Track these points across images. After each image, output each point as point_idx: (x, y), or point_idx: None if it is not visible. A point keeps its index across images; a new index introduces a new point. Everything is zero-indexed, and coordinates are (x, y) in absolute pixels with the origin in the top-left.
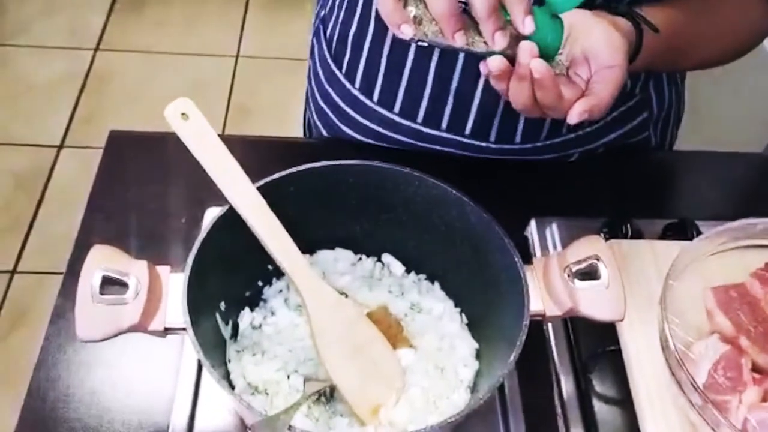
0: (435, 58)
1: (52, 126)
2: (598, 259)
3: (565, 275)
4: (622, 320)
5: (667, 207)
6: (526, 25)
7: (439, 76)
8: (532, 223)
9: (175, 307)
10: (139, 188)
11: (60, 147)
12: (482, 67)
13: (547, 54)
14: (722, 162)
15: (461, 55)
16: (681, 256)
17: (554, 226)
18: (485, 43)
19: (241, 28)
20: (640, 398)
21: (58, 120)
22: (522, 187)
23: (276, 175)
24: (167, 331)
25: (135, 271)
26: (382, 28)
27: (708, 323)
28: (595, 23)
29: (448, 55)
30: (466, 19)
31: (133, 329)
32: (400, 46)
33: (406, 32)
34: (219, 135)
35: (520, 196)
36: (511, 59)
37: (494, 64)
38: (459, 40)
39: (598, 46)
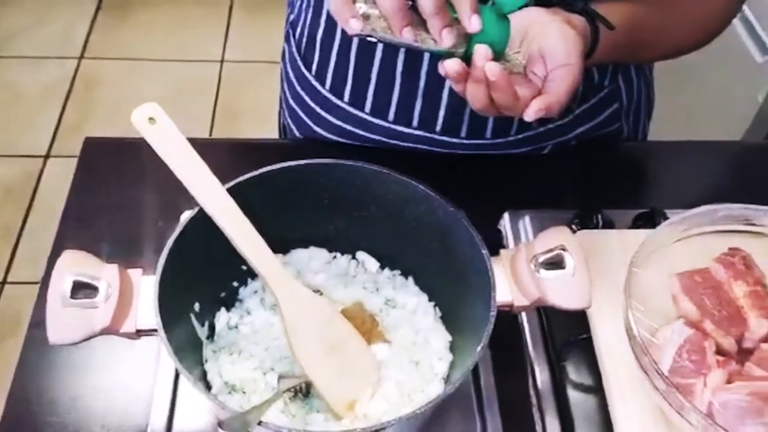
0: (401, 56)
1: (38, 135)
2: (564, 249)
3: (532, 266)
4: (588, 308)
5: (641, 197)
6: (473, 23)
7: (406, 74)
8: (506, 217)
9: (146, 310)
10: (115, 194)
11: (47, 156)
12: (440, 69)
13: (494, 53)
14: (698, 151)
15: (427, 54)
16: (645, 244)
17: (527, 219)
18: (434, 40)
19: (226, 32)
20: (610, 385)
21: (44, 129)
22: (495, 181)
23: (246, 176)
24: (139, 333)
25: (105, 274)
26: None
27: (674, 309)
28: (550, 21)
29: (414, 53)
30: (415, 15)
31: (105, 332)
32: (367, 45)
33: (354, 27)
34: (205, 139)
35: (494, 190)
36: (466, 58)
37: (450, 66)
38: (407, 36)
39: (553, 44)
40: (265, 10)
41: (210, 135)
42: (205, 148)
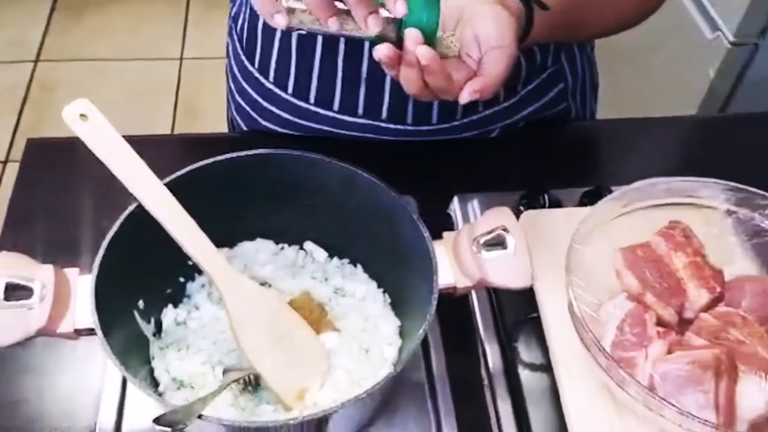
0: (342, 46)
1: None
2: (505, 230)
3: (474, 247)
4: (528, 287)
5: (591, 176)
6: (398, 7)
7: (348, 63)
8: (455, 200)
9: (85, 309)
10: (56, 194)
11: (5, 161)
12: (374, 54)
13: (426, 36)
14: (647, 128)
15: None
16: (585, 220)
17: (475, 202)
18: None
19: (184, 30)
20: (557, 363)
21: (2, 135)
22: (445, 166)
23: (185, 170)
24: (78, 333)
25: (40, 275)
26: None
27: (619, 284)
28: (483, 3)
29: (354, 41)
30: (341, 4)
31: (42, 333)
32: (308, 36)
33: (280, 23)
34: (147, 136)
35: (443, 176)
36: (399, 43)
37: (381, 52)
38: (333, 26)
39: (486, 26)
40: (222, 6)
41: (171, 133)
42: (153, 144)
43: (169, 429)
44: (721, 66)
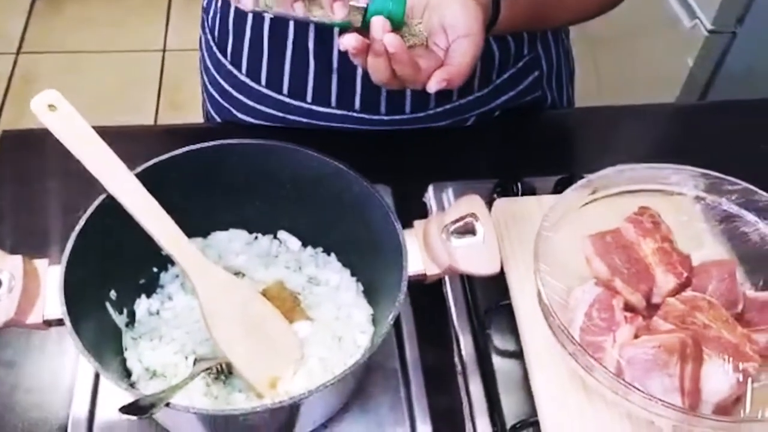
0: (312, 35)
1: None
2: (474, 217)
3: (443, 235)
4: (497, 273)
5: (567, 164)
6: None
7: (319, 53)
8: (430, 189)
9: (54, 300)
10: (28, 186)
11: None
12: (340, 44)
13: (393, 24)
14: (625, 116)
15: (336, 30)
16: (554, 207)
17: (450, 191)
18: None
19: (166, 22)
20: (528, 350)
21: None
22: (420, 155)
23: (156, 159)
24: (48, 324)
25: (8, 266)
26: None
27: (589, 270)
28: None
29: (325, 32)
30: None
31: (11, 324)
32: (279, 27)
33: (246, 5)
34: (120, 127)
35: (419, 164)
36: (365, 32)
37: (347, 41)
38: (299, 11)
39: (454, 15)
40: None
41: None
42: (126, 135)
43: (134, 417)
44: (699, 54)
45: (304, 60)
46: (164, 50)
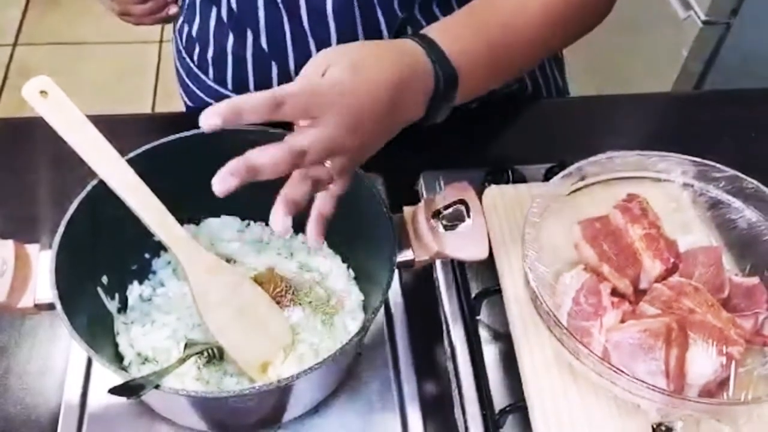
0: (264, 38)
1: None
2: (463, 203)
3: (432, 221)
4: (484, 258)
5: (558, 152)
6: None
7: (274, 55)
8: (422, 178)
9: (46, 285)
10: (23, 172)
11: None
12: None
13: None
14: (616, 105)
15: (288, 35)
16: (542, 194)
17: (441, 179)
18: None
19: None
20: (516, 334)
21: None
22: (413, 144)
23: (147, 146)
24: (39, 308)
25: (0, 251)
26: (220, 20)
27: (578, 256)
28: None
29: (278, 34)
30: None
31: (2, 308)
32: (240, 35)
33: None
34: (112, 115)
35: (412, 153)
36: None
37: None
38: None
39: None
40: None
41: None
42: (120, 123)
43: (124, 398)
44: (693, 46)
45: (265, 65)
46: (161, 41)
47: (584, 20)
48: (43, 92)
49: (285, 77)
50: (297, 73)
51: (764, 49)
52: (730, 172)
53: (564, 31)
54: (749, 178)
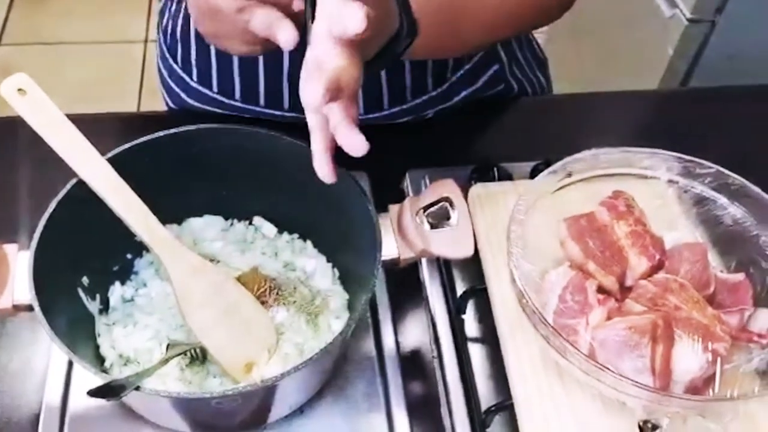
0: None
1: None
2: (448, 201)
3: (417, 219)
4: (470, 256)
5: (543, 150)
6: None
7: (268, 58)
8: (407, 176)
9: (23, 285)
10: (5, 172)
11: None
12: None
13: None
14: (601, 102)
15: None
16: (527, 191)
17: (427, 177)
18: None
19: (148, 13)
20: (502, 332)
21: None
22: (398, 142)
23: (128, 144)
24: (17, 309)
25: None
26: None
27: (562, 253)
28: None
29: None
30: None
31: None
32: None
33: None
34: (94, 114)
35: (397, 152)
36: None
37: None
38: None
39: None
40: None
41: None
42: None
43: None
44: (679, 43)
45: (252, 65)
46: (146, 41)
47: (536, 20)
48: (21, 90)
49: (274, 77)
50: (288, 72)
51: (749, 47)
52: (716, 168)
53: (516, 24)
54: (734, 175)
